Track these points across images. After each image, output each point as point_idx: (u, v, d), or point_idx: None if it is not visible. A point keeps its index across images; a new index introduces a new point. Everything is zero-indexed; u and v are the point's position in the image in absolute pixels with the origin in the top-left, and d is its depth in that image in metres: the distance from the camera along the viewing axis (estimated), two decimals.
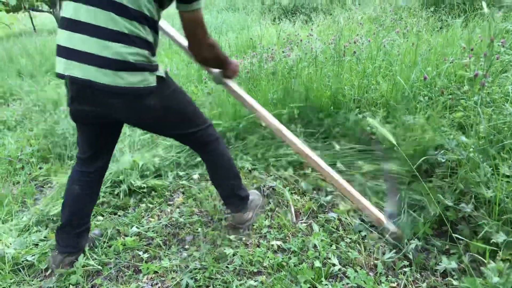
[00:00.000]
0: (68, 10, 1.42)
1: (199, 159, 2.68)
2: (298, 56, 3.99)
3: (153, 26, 1.49)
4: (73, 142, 3.03)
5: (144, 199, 2.36)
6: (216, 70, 1.90)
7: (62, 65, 1.45)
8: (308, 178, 2.39)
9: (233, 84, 1.95)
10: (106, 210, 2.29)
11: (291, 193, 2.27)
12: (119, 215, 2.25)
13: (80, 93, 1.46)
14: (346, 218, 2.02)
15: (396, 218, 1.93)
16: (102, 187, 2.28)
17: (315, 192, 2.29)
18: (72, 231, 1.83)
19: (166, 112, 1.61)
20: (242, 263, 1.78)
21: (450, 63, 2.94)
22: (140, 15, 1.40)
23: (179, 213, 2.21)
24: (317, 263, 1.70)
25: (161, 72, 1.54)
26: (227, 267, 1.77)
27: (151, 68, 1.48)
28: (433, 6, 5.28)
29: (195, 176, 2.53)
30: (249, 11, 9.39)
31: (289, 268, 1.72)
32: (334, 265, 1.71)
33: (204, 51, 1.65)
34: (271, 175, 2.48)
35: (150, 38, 1.47)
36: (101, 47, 1.38)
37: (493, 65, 2.62)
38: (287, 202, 2.19)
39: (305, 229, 1.97)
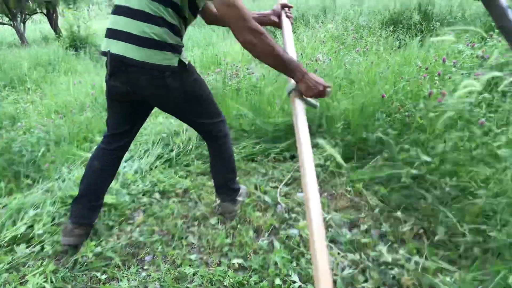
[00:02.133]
0: None
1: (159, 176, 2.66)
2: (261, 73, 4.04)
3: (177, 10, 1.66)
4: (30, 159, 2.93)
5: (104, 218, 2.30)
6: (290, 82, 1.67)
7: (105, 43, 1.70)
8: (269, 192, 2.40)
9: (301, 105, 1.61)
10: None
11: (253, 210, 2.27)
12: None
13: (116, 68, 1.68)
14: (307, 234, 2.04)
15: None
16: (56, 207, 2.29)
17: (276, 207, 2.31)
18: (87, 203, 2.00)
19: (185, 97, 1.80)
20: (202, 282, 1.76)
21: (407, 81, 3.05)
22: (168, 2, 1.61)
23: (139, 232, 2.17)
24: (278, 281, 1.71)
25: (185, 58, 1.74)
26: (187, 287, 1.75)
27: (174, 49, 1.67)
28: (392, 26, 5.48)
29: (157, 195, 2.50)
30: (215, 28, 9.44)
31: (250, 286, 1.71)
32: (294, 282, 1.72)
33: (245, 33, 1.52)
34: None
35: (174, 21, 1.66)
36: (132, 26, 1.62)
37: (445, 84, 2.74)
38: (249, 219, 2.19)
39: (266, 246, 1.97)
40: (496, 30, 3.48)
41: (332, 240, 1.99)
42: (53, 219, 2.25)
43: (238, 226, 2.15)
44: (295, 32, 7.22)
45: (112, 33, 1.69)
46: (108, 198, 2.39)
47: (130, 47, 1.62)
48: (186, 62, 1.75)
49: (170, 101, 1.82)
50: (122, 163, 2.80)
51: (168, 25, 1.64)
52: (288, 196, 2.40)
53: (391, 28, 5.39)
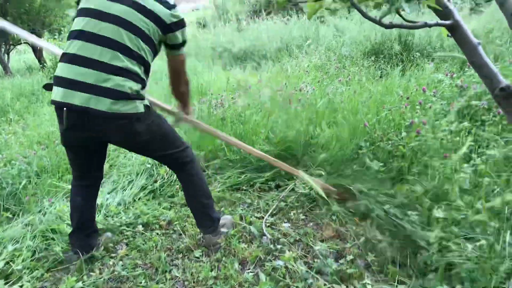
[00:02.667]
0: (73, 47, 1.72)
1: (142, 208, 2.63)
2: (246, 103, 4.08)
3: (147, 68, 1.84)
4: (10, 192, 2.87)
5: None
6: (179, 109, 2.26)
7: (60, 94, 1.71)
8: (255, 223, 2.38)
9: (194, 119, 2.33)
10: (45, 265, 2.16)
11: (239, 241, 2.25)
12: (58, 270, 2.13)
13: (78, 120, 1.73)
14: (292, 265, 2.02)
15: None
16: (36, 241, 2.26)
17: (262, 238, 2.28)
18: (82, 234, 2.13)
19: (151, 135, 1.88)
20: None
21: (389, 110, 3.11)
22: (139, 57, 1.76)
23: (122, 265, 2.12)
24: None
25: (146, 101, 1.84)
26: None
27: (141, 98, 1.79)
28: (373, 56, 5.61)
29: (140, 227, 2.46)
30: (200, 58, 9.55)
31: None
32: None
33: (183, 85, 2.15)
34: None
35: (144, 76, 1.82)
36: (103, 79, 1.67)
37: (426, 113, 2.80)
38: (234, 251, 2.16)
39: (252, 278, 1.94)
40: None
41: (318, 271, 1.97)
42: (33, 253, 2.19)
43: (223, 258, 2.12)
44: (279, 61, 7.35)
45: (70, 84, 1.70)
46: None
47: (96, 99, 1.67)
48: (148, 104, 1.87)
49: (138, 143, 1.92)
50: (105, 195, 2.77)
51: (141, 80, 1.80)
52: (274, 227, 2.38)
53: (372, 58, 5.51)
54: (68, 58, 1.73)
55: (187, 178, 2.12)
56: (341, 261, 2.05)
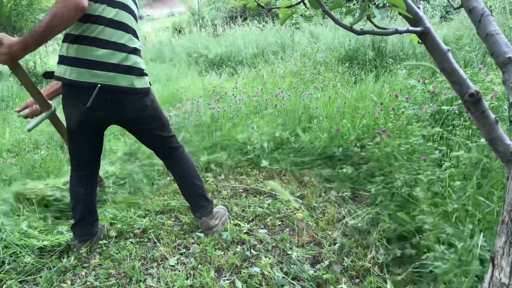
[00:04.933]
0: (92, 31, 1.81)
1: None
2: (222, 108, 4.07)
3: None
4: None
5: (57, 260, 2.18)
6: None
7: (84, 74, 1.81)
8: (231, 230, 2.36)
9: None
10: (13, 277, 2.08)
11: (215, 248, 2.23)
12: (28, 282, 2.06)
13: (102, 97, 1.87)
14: (269, 272, 2.01)
15: None
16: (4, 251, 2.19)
17: (238, 245, 2.27)
18: (86, 223, 2.22)
19: (154, 110, 2.10)
20: None
21: (363, 116, 3.15)
22: (138, 37, 2.02)
23: (94, 276, 2.06)
24: None
25: (148, 78, 2.09)
26: None
27: (147, 74, 2.04)
28: (348, 62, 5.69)
29: (113, 233, 2.41)
30: (176, 63, 9.49)
31: None
32: None
33: None
34: (198, 229, 2.43)
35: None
36: (124, 58, 1.88)
37: (399, 118, 2.85)
38: (210, 259, 2.14)
39: (228, 286, 1.92)
40: None
41: (295, 277, 1.97)
42: (1, 265, 2.12)
43: (199, 266, 2.09)
44: (255, 67, 7.37)
45: (94, 64, 1.83)
46: (62, 239, 2.30)
47: (121, 77, 1.88)
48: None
49: (145, 118, 2.07)
50: None
51: (141, 54, 2.04)
52: (250, 233, 2.37)
53: (347, 64, 5.59)
54: (87, 41, 1.81)
55: (179, 162, 2.27)
56: (318, 266, 2.05)
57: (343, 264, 2.04)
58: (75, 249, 2.23)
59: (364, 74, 5.17)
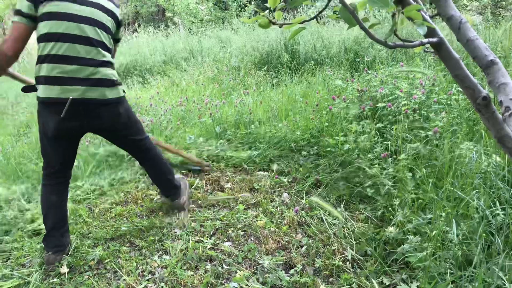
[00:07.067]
0: (58, 48, 1.94)
1: None
2: (149, 120, 3.91)
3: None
4: None
5: None
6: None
7: (57, 91, 1.95)
8: (195, 247, 2.28)
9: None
10: None
11: (183, 269, 2.13)
12: None
13: (76, 110, 1.99)
14: (247, 285, 1.98)
15: None
16: None
17: (207, 262, 2.20)
18: (57, 233, 2.23)
19: (128, 118, 2.25)
20: None
21: (297, 121, 3.25)
22: (110, 50, 2.14)
23: None
24: None
25: (123, 87, 2.22)
26: None
27: (120, 83, 2.17)
28: (265, 65, 5.81)
29: (64, 269, 2.19)
30: None
31: None
32: None
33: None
34: (158, 251, 2.31)
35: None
36: (93, 72, 2.00)
37: (332, 118, 3.00)
38: (182, 281, 2.05)
39: None
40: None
41: (273, 286, 1.96)
42: None
43: None
44: (167, 75, 7.19)
45: (64, 81, 1.95)
46: (5, 284, 2.04)
47: (91, 90, 2.00)
48: (124, 90, 2.24)
49: (119, 124, 2.21)
50: None
51: (113, 67, 2.15)
52: (216, 248, 2.31)
53: (265, 68, 5.70)
54: (56, 59, 1.94)
55: (153, 161, 2.47)
56: (291, 271, 2.07)
57: (315, 265, 2.09)
58: (48, 263, 2.19)
59: (287, 76, 5.28)
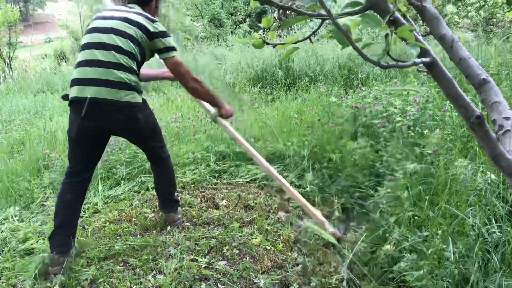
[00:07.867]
0: (82, 55, 2.20)
1: None
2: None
3: (138, 64, 2.27)
4: None
5: None
6: (211, 110, 2.55)
7: (76, 91, 2.15)
8: (190, 267, 2.25)
9: (226, 123, 2.57)
10: None
11: (175, 285, 2.10)
12: None
13: (91, 109, 2.11)
14: None
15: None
16: None
17: (202, 282, 2.17)
18: (65, 232, 2.26)
19: (146, 125, 2.36)
20: None
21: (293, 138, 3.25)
22: (130, 53, 2.19)
23: None
24: None
25: (144, 95, 2.33)
26: None
27: (138, 90, 2.25)
28: (260, 82, 5.83)
29: None
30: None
31: None
32: None
33: (190, 82, 2.32)
34: (152, 270, 2.27)
35: (137, 70, 2.25)
36: (106, 73, 2.13)
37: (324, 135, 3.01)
38: None
39: None
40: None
41: None
42: None
43: None
44: (164, 93, 7.21)
45: (83, 82, 2.14)
46: None
47: (104, 90, 2.11)
48: (145, 98, 2.35)
49: (136, 129, 2.32)
50: None
51: (135, 72, 2.22)
52: (210, 267, 2.28)
53: (260, 84, 5.72)
54: (78, 64, 2.20)
55: (163, 170, 2.60)
56: None
57: (311, 284, 2.06)
58: (50, 263, 2.22)
59: (282, 93, 5.28)
